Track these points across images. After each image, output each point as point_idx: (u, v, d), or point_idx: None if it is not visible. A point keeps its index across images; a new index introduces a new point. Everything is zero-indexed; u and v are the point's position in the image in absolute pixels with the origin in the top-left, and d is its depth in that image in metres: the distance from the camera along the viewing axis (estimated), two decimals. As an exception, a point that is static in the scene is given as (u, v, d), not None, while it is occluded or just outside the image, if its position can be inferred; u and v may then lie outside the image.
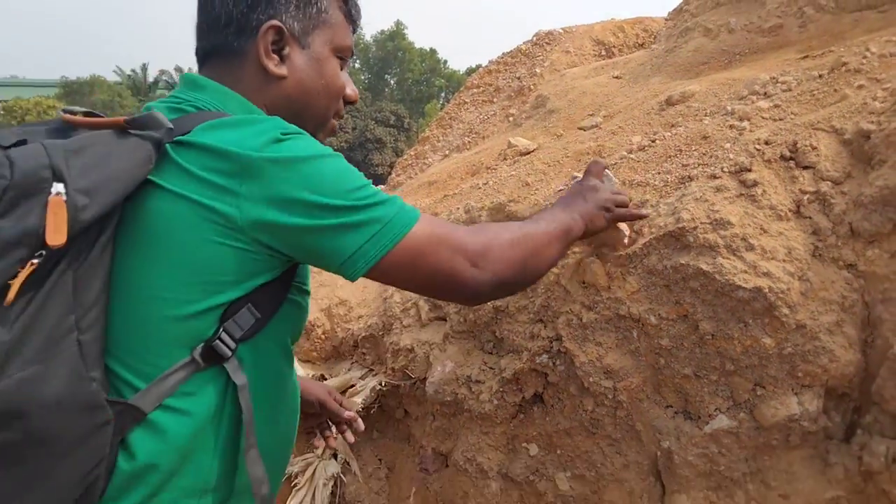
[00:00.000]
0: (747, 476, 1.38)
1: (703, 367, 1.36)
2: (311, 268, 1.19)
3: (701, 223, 1.32)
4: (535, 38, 5.15)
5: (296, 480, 1.86)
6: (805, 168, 1.38)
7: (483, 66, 5.52)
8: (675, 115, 1.87)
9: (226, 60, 1.10)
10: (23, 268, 0.79)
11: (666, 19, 3.08)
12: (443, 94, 52.04)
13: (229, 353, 0.96)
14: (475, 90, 5.28)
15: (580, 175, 1.42)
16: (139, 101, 45.79)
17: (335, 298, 2.03)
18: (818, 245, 1.32)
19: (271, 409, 1.08)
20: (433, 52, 54.92)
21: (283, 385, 1.12)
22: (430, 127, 5.37)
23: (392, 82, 56.31)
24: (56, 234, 0.80)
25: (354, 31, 1.21)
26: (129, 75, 52.04)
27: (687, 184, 1.44)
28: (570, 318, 1.48)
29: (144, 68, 52.48)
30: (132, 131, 0.94)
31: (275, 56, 1.09)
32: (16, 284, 0.79)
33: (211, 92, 1.06)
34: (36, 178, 0.82)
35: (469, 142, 4.43)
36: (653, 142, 1.70)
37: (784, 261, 1.29)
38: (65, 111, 1.01)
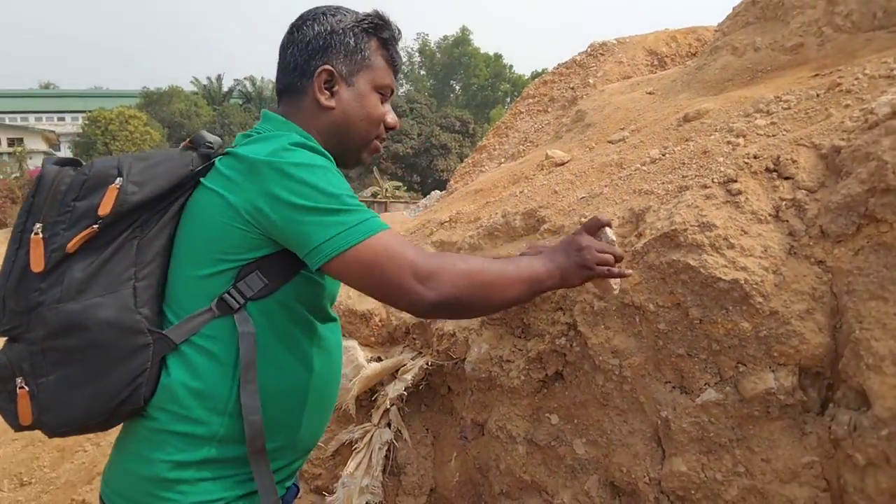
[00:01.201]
0: (734, 442, 1.61)
1: (694, 348, 1.61)
2: None
3: (690, 226, 1.57)
4: (589, 50, 5.33)
5: (356, 445, 2.17)
6: (786, 178, 1.61)
7: (548, 70, 5.74)
8: (689, 130, 2.10)
9: (292, 96, 1.43)
10: (88, 230, 1.20)
11: (715, 30, 3.26)
12: (508, 99, 52.06)
13: (237, 306, 1.27)
14: (531, 100, 5.50)
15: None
16: (214, 109, 47.49)
17: (390, 291, 2.34)
18: (793, 244, 1.55)
19: (278, 361, 1.31)
20: (498, 56, 55.04)
21: (293, 346, 1.34)
22: (487, 136, 5.64)
23: (457, 88, 56.67)
24: (103, 208, 1.21)
25: (396, 74, 1.50)
26: (204, 85, 53.96)
27: (683, 192, 1.69)
28: (584, 306, 1.74)
29: (220, 78, 54.38)
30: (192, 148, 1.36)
31: (326, 92, 1.40)
32: (78, 239, 1.20)
33: (273, 122, 1.41)
34: (105, 174, 1.24)
35: (523, 150, 4.67)
36: (663, 155, 1.95)
37: (760, 257, 1.52)
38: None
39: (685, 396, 1.65)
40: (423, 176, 41.49)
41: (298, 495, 1.97)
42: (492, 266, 1.30)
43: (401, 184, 39.72)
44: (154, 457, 1.24)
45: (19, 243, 1.21)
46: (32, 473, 3.43)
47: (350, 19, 1.43)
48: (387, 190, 36.58)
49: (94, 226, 1.21)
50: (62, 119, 58.03)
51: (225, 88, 54.24)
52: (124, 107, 41.14)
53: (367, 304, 2.33)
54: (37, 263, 1.19)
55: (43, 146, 41.67)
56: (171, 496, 1.23)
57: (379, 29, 1.45)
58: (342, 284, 1.42)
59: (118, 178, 1.24)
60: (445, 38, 54.87)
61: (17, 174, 33.50)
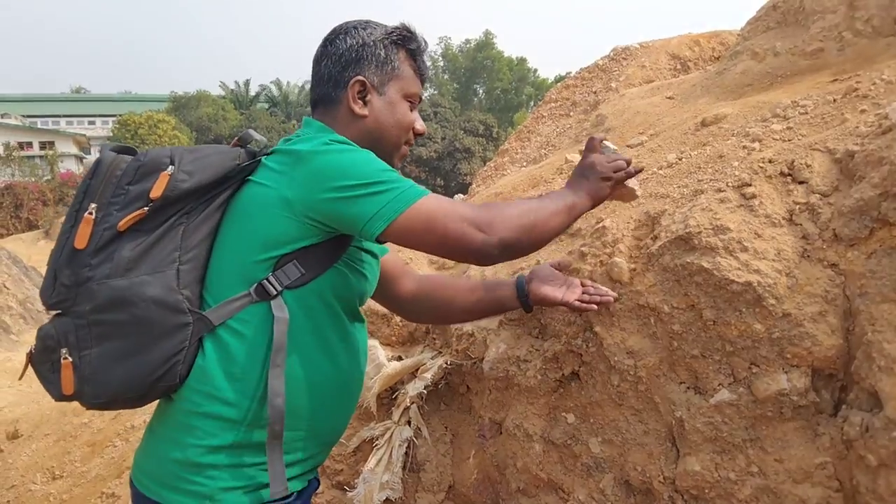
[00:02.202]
0: (747, 442, 1.63)
1: (707, 349, 1.63)
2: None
3: (704, 229, 1.60)
4: (612, 54, 5.34)
5: (376, 442, 2.23)
6: (800, 183, 1.64)
7: (573, 73, 5.76)
8: (707, 135, 2.13)
9: (326, 105, 1.52)
10: (139, 211, 1.30)
11: (737, 34, 3.27)
12: (531, 103, 52.01)
13: (274, 293, 1.35)
14: (553, 104, 5.52)
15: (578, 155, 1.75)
16: (241, 113, 48.00)
17: (411, 292, 2.40)
18: (806, 247, 1.57)
19: (306, 351, 1.38)
20: (522, 60, 55.02)
21: (322, 338, 1.41)
22: (509, 140, 5.67)
23: (481, 91, 56.72)
24: (154, 192, 1.31)
25: (423, 83, 1.60)
26: (232, 90, 54.56)
27: (698, 196, 1.71)
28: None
29: (247, 83, 54.97)
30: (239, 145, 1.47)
31: (359, 101, 1.50)
32: (129, 219, 1.30)
33: (313, 127, 1.50)
34: (158, 161, 1.35)
35: (545, 154, 4.69)
36: (680, 160, 1.98)
37: (773, 260, 1.55)
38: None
39: (699, 397, 1.67)
40: (447, 179, 41.57)
41: (319, 490, 2.02)
42: (534, 205, 1.42)
43: (424, 187, 39.82)
44: (186, 441, 1.31)
45: (73, 221, 1.31)
46: (64, 467, 3.53)
47: (380, 32, 1.51)
48: (410, 193, 36.64)
49: (145, 208, 1.30)
50: (93, 123, 59.06)
51: (252, 93, 54.80)
52: (153, 111, 41.76)
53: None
54: (81, 241, 1.29)
55: (74, 149, 42.44)
56: (201, 480, 1.29)
57: (407, 40, 1.53)
58: (375, 284, 1.53)
59: (170, 167, 1.33)
60: (468, 41, 54.96)
61: (49, 177, 34.15)
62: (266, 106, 54.42)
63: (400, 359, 2.30)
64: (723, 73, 2.75)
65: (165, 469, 1.33)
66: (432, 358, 2.22)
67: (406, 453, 2.19)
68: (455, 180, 40.00)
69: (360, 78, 1.48)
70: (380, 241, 1.32)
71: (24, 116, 48.75)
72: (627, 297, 1.73)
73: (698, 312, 1.62)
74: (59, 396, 1.32)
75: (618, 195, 1.67)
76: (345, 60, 1.48)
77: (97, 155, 1.43)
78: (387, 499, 2.16)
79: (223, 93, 53.68)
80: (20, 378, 1.40)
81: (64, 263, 1.30)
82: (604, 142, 1.65)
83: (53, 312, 1.33)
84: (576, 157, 2.51)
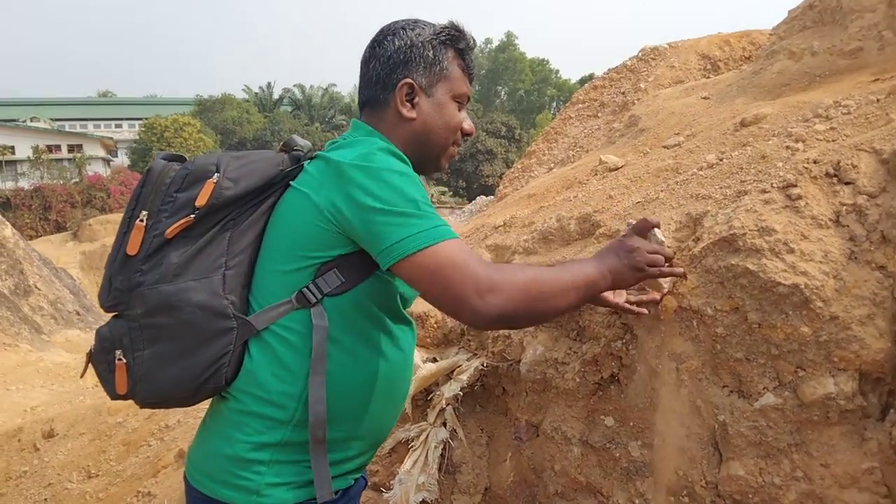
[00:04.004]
0: (792, 447, 1.61)
1: (752, 352, 1.61)
2: None
3: (749, 230, 1.58)
4: (640, 54, 5.30)
5: (412, 443, 2.23)
6: (846, 184, 1.61)
7: (596, 75, 5.73)
8: (746, 135, 2.11)
9: (374, 108, 1.51)
10: (185, 219, 1.32)
11: (770, 33, 3.23)
12: (554, 104, 51.86)
13: (314, 300, 1.35)
14: (581, 105, 5.49)
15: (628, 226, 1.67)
16: (265, 116, 48.38)
17: (446, 294, 2.40)
18: (854, 249, 1.54)
19: (350, 357, 1.38)
20: (544, 61, 54.88)
21: (364, 342, 1.40)
22: (536, 141, 5.65)
23: (503, 93, 56.65)
24: (200, 200, 1.32)
25: (471, 81, 1.57)
26: (256, 93, 55.03)
27: (742, 197, 1.70)
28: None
29: (270, 86, 55.41)
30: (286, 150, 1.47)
31: (407, 104, 1.48)
32: (176, 226, 1.32)
33: (361, 130, 1.50)
34: (205, 169, 1.36)
35: (573, 155, 4.68)
36: (720, 160, 1.96)
37: (821, 262, 1.53)
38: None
39: (743, 401, 1.65)
40: (469, 181, 41.58)
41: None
42: (547, 275, 1.34)
43: (447, 189, 39.86)
44: (235, 437, 1.33)
45: (126, 228, 1.34)
46: (100, 466, 3.58)
47: (428, 32, 1.49)
48: (433, 195, 36.75)
49: (191, 216, 1.32)
50: (119, 126, 59.83)
51: (275, 96, 55.20)
52: (179, 114, 42.21)
53: (423, 305, 2.38)
54: (133, 247, 1.32)
55: (101, 152, 43.02)
56: (248, 475, 1.31)
57: (455, 40, 1.51)
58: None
59: (216, 174, 1.35)
60: (488, 40, 54.87)
61: (77, 179, 34.67)
62: (289, 109, 54.81)
63: (435, 360, 2.30)
64: (759, 73, 2.73)
65: (215, 464, 1.35)
66: (468, 360, 2.22)
67: (442, 455, 2.19)
68: (477, 182, 39.99)
69: (409, 80, 1.46)
70: (390, 271, 1.29)
71: (52, 120, 49.52)
72: (669, 299, 1.71)
73: (743, 315, 1.60)
74: (114, 395, 1.36)
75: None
76: (393, 63, 1.47)
77: (125, 159, 1.46)
78: (423, 500, 2.16)
79: (247, 96, 54.15)
80: (82, 376, 1.43)
81: (118, 269, 1.34)
82: (654, 229, 1.58)
83: (110, 315, 1.35)
84: (610, 159, 2.49)
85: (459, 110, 1.53)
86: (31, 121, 46.15)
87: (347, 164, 1.30)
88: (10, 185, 35.14)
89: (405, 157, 1.38)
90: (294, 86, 55.09)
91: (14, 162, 37.58)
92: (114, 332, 1.34)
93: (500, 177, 6.11)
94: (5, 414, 5.46)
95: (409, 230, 1.25)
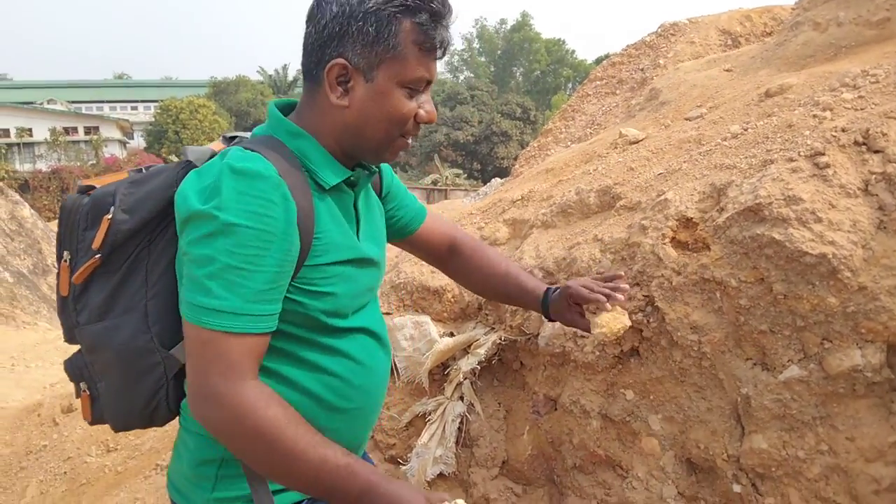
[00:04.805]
0: (817, 420, 1.58)
1: (777, 324, 1.58)
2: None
3: (776, 199, 1.55)
4: (659, 30, 5.21)
5: (429, 417, 2.22)
6: (875, 152, 1.57)
7: (613, 54, 5.65)
8: (771, 105, 2.06)
9: (309, 83, 1.25)
10: (91, 260, 1.22)
11: (792, 8, 3.17)
12: (570, 85, 51.42)
13: None
14: (598, 82, 5.42)
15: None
16: (279, 98, 48.27)
17: (463, 268, 2.37)
18: (883, 219, 1.50)
19: (275, 379, 1.20)
20: (560, 42, 54.36)
21: (293, 362, 1.22)
22: (553, 119, 5.59)
23: (518, 74, 56.24)
24: (96, 242, 1.21)
25: (441, 56, 1.25)
26: (270, 75, 54.93)
27: (768, 166, 1.66)
28: (662, 281, 1.73)
29: (285, 68, 55.27)
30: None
31: (339, 88, 1.20)
32: (83, 270, 1.22)
33: (269, 119, 1.29)
34: (102, 203, 1.24)
35: (591, 133, 4.62)
36: (745, 130, 1.91)
37: (849, 231, 1.49)
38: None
39: (767, 373, 1.62)
40: (484, 164, 41.39)
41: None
42: (290, 445, 1.07)
43: (461, 171, 39.72)
44: (184, 453, 1.28)
45: (58, 269, 1.28)
46: (118, 440, 3.61)
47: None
48: (447, 178, 36.63)
49: (97, 256, 1.22)
50: (135, 108, 59.98)
51: (290, 78, 55.09)
52: (194, 96, 42.25)
53: (440, 280, 2.36)
54: (63, 289, 1.26)
55: (118, 134, 43.18)
56: (197, 490, 1.26)
57: (413, 10, 1.17)
58: (368, 286, 1.32)
59: (112, 207, 1.22)
60: (503, 21, 54.35)
61: (94, 161, 34.90)
62: (304, 91, 54.47)
63: (452, 335, 2.29)
64: (783, 45, 2.67)
65: (177, 477, 1.32)
66: (485, 334, 2.20)
67: (459, 429, 2.18)
68: (492, 164, 39.82)
69: (341, 61, 1.18)
70: None
71: (69, 102, 49.76)
72: (692, 270, 1.68)
73: (768, 286, 1.57)
74: (90, 422, 1.34)
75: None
76: (327, 34, 1.19)
77: (141, 141, 1.36)
78: (440, 473, 2.16)
79: (262, 78, 54.08)
80: (77, 396, 1.43)
81: (60, 309, 1.30)
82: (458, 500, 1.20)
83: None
84: (630, 132, 2.45)
85: (411, 97, 1.22)
86: (48, 103, 46.39)
87: (180, 194, 1.14)
88: (27, 167, 35.42)
89: (265, 190, 1.10)
90: (309, 68, 54.68)
91: (32, 144, 37.83)
92: (75, 364, 1.32)
93: (515, 159, 6.03)
94: (25, 390, 5.51)
95: (196, 297, 1.09)
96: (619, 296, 1.38)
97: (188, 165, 1.24)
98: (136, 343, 1.22)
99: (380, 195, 1.50)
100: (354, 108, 1.20)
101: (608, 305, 1.37)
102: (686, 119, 2.37)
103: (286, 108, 1.32)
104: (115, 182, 1.28)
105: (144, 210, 1.22)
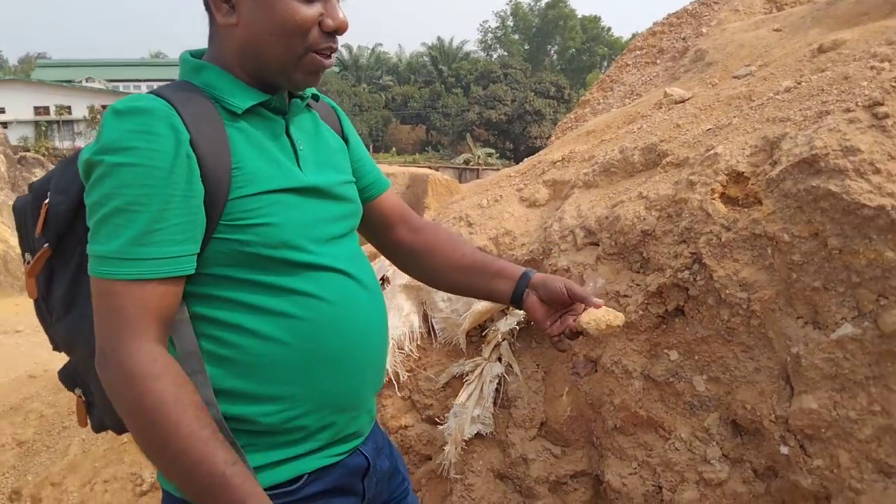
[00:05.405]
0: (870, 380, 1.53)
1: (830, 280, 1.53)
2: (476, 202, 1.39)
3: (832, 150, 1.49)
4: (702, -2, 5.10)
5: (467, 378, 2.20)
6: (940, 101, 1.50)
7: (654, 23, 5.53)
8: (825, 60, 1.98)
9: (207, 14, 1.14)
10: (41, 251, 1.16)
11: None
12: (605, 63, 50.67)
13: None
14: (638, 52, 5.31)
15: None
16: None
17: (501, 229, 2.34)
18: (947, 170, 1.44)
19: (235, 336, 1.09)
20: (596, 19, 53.53)
21: (249, 313, 1.10)
22: (590, 90, 5.50)
23: (552, 52, 55.56)
24: (38, 229, 1.16)
25: None
26: (303, 51, 54.86)
27: (823, 117, 1.59)
28: (711, 238, 1.69)
29: (318, 44, 55.22)
30: None
31: (224, 5, 1.09)
32: (34, 262, 1.17)
33: (182, 67, 1.19)
34: (42, 191, 1.18)
35: (629, 104, 4.54)
36: (798, 84, 1.85)
37: (910, 183, 1.43)
38: None
39: (818, 332, 1.57)
40: (516, 143, 41.10)
41: (410, 424, 1.99)
42: (178, 417, 0.96)
43: (493, 151, 39.50)
44: None
45: (28, 273, 1.21)
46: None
47: None
48: (479, 157, 36.47)
49: (45, 245, 1.16)
50: (170, 87, 60.60)
51: (323, 54, 55.04)
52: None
53: (478, 240, 2.34)
54: (31, 292, 1.22)
55: (153, 112, 43.66)
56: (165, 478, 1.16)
57: None
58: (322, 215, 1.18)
59: (49, 192, 1.16)
60: (537, -1, 53.63)
61: (131, 139, 35.37)
62: (336, 69, 54.72)
63: (490, 296, 2.26)
64: (834, 4, 2.57)
65: None
66: (525, 295, 2.17)
67: (497, 389, 2.17)
68: (525, 144, 39.51)
69: None
70: None
71: (107, 81, 50.47)
72: (742, 225, 1.63)
73: (822, 241, 1.52)
74: (93, 429, 1.29)
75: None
76: None
77: None
78: (478, 433, 2.15)
79: (294, 55, 54.08)
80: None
81: (37, 314, 1.26)
82: None
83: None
84: (676, 91, 2.39)
85: (309, 2, 1.08)
86: (87, 81, 47.09)
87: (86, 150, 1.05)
88: (67, 144, 36.06)
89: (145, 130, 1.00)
90: (342, 46, 54.91)
91: (71, 122, 38.46)
92: (67, 372, 1.27)
93: (549, 138, 5.95)
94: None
95: (92, 244, 1.01)
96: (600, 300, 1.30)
97: None
98: None
99: (342, 137, 1.37)
100: (242, 24, 1.09)
101: (599, 303, 1.29)
102: (734, 77, 2.30)
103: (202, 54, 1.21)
104: (53, 168, 1.21)
105: (77, 186, 1.10)
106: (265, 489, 1.06)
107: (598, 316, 1.28)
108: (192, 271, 1.05)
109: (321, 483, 1.17)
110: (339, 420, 1.19)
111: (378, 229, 1.46)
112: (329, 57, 1.14)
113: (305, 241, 1.13)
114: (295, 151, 1.17)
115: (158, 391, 0.95)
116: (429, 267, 1.46)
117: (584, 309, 1.30)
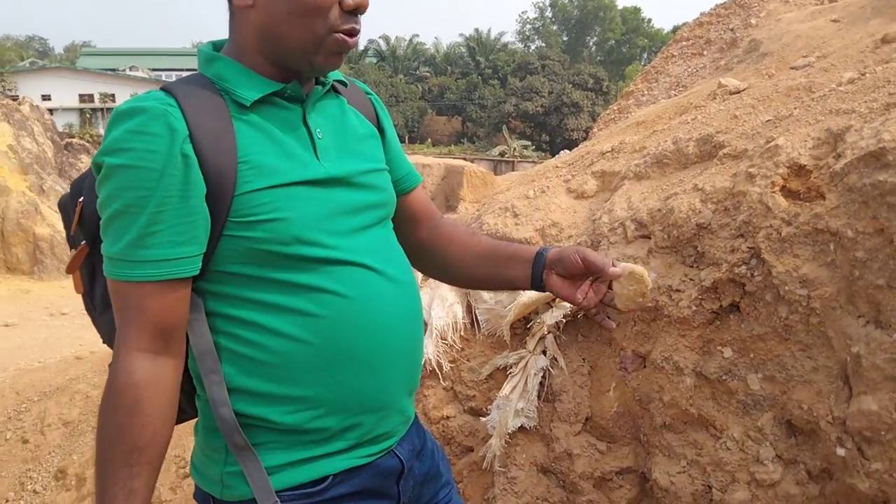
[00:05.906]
0: (936, 382, 1.48)
1: (895, 278, 1.48)
2: (523, 192, 1.36)
3: (903, 143, 1.43)
4: (750, -12, 4.98)
5: (510, 370, 2.19)
6: None
7: (701, 13, 5.42)
8: (889, 51, 1.91)
9: (227, 1, 1.13)
10: (79, 249, 1.20)
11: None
12: (645, 55, 50.01)
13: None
14: (684, 43, 5.21)
15: None
16: (350, 68, 48.63)
17: (548, 221, 2.31)
18: None
19: (253, 334, 1.09)
20: (636, 10, 52.79)
21: (267, 311, 1.09)
22: (634, 81, 5.41)
23: (591, 44, 54.97)
24: (73, 228, 1.19)
25: None
26: (341, 43, 55.05)
27: (891, 109, 1.54)
28: (770, 232, 1.64)
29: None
30: None
31: None
32: (73, 260, 1.20)
33: (199, 59, 1.17)
34: (77, 187, 1.21)
35: (675, 95, 4.46)
36: (862, 75, 1.78)
37: None
38: None
39: (881, 331, 1.52)
40: (553, 135, 40.78)
41: (452, 414, 1.97)
42: (136, 423, 1.00)
43: (529, 143, 39.25)
44: (199, 422, 1.21)
45: (67, 269, 1.26)
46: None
47: None
48: (515, 149, 36.27)
49: (83, 242, 1.19)
50: (211, 76, 61.36)
51: (360, 47, 55.28)
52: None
53: (523, 231, 2.32)
54: (76, 286, 1.24)
55: (194, 101, 44.26)
56: (212, 465, 1.18)
57: None
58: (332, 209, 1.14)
59: (84, 191, 1.19)
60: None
61: (172, 127, 35.94)
62: (374, 61, 54.86)
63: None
64: (899, -7, 2.48)
65: (195, 451, 1.24)
66: (571, 287, 2.14)
67: (541, 383, 2.14)
68: (561, 136, 39.18)
69: None
70: None
71: (150, 70, 51.28)
72: (804, 220, 1.58)
73: (888, 237, 1.46)
74: None
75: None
76: None
77: None
78: (521, 426, 2.13)
79: (333, 46, 54.31)
80: None
81: (84, 306, 1.29)
82: None
83: None
84: (731, 82, 2.33)
85: None
86: (130, 70, 47.89)
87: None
88: (110, 131, 36.73)
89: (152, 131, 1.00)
90: (379, 37, 55.01)
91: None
92: None
93: (586, 131, 5.87)
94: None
95: (107, 245, 1.04)
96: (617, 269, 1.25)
97: None
98: None
99: (378, 127, 1.34)
100: (259, 5, 1.06)
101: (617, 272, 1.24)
102: (792, 68, 2.24)
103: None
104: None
105: None
106: (288, 489, 1.09)
107: (623, 292, 1.25)
108: (196, 272, 1.05)
109: (348, 485, 1.15)
110: (365, 421, 1.16)
111: (403, 225, 1.39)
112: (352, 36, 1.10)
113: (322, 235, 1.10)
114: (312, 141, 1.14)
115: (117, 411, 1.01)
116: (448, 259, 1.42)
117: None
